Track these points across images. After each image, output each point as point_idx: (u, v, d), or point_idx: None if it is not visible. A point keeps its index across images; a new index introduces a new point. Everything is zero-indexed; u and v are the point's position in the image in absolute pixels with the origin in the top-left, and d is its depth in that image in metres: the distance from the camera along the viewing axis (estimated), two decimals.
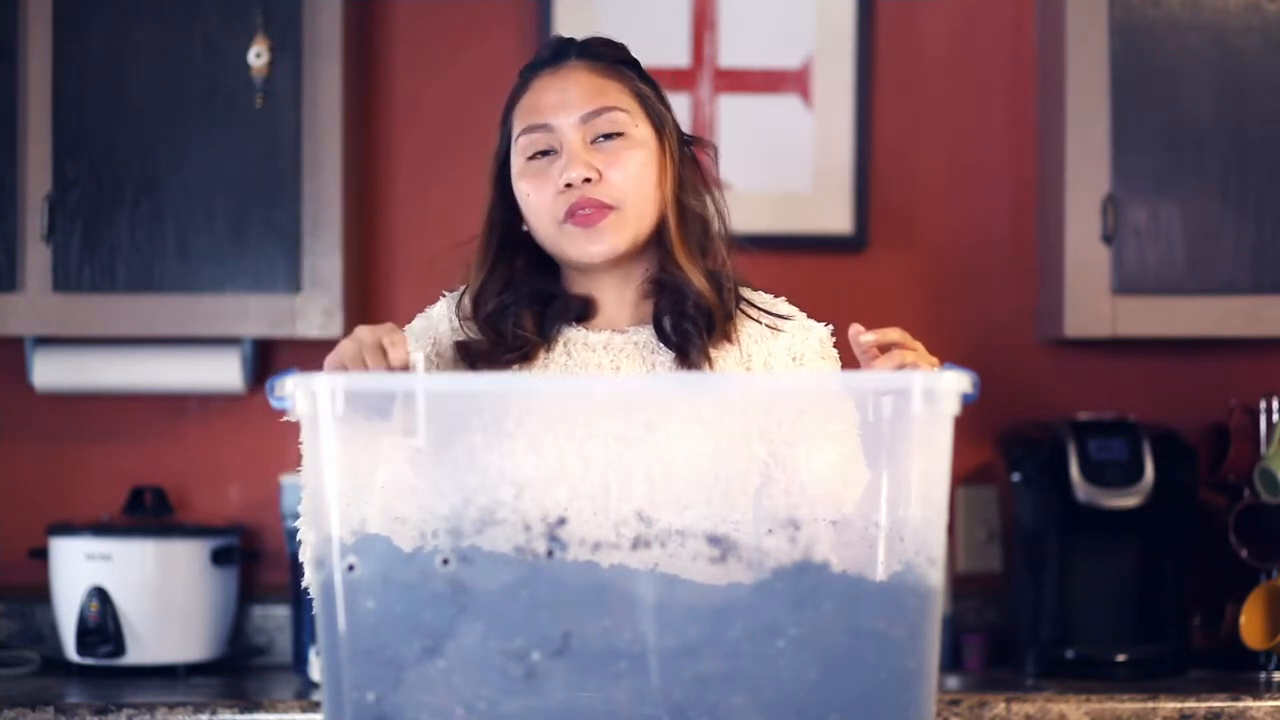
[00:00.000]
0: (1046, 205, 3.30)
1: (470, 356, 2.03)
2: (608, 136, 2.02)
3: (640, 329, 2.05)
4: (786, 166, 3.36)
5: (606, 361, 2.02)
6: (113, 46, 3.11)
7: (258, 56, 3.09)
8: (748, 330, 2.06)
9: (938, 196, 3.42)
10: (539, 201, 2.02)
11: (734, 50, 3.38)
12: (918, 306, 3.39)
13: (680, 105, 3.31)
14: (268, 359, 3.36)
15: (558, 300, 2.06)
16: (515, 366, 2.02)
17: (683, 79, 3.34)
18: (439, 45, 3.41)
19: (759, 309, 2.08)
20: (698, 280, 2.02)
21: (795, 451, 1.77)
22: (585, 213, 2.00)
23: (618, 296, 2.07)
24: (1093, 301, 3.15)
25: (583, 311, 2.06)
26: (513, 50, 3.37)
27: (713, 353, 2.01)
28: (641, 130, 2.04)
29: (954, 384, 1.62)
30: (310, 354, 3.25)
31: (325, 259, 3.11)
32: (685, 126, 3.27)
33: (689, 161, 2.09)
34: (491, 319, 2.04)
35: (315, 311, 3.10)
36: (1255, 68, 3.15)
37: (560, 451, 1.64)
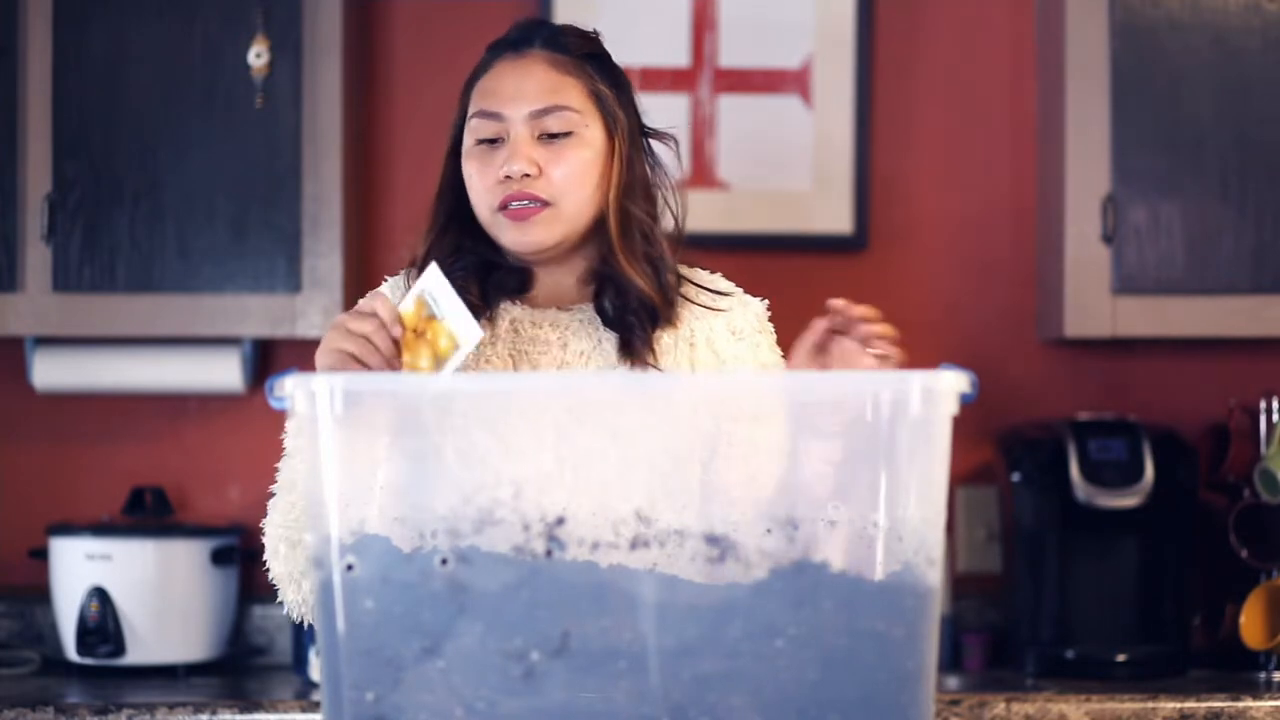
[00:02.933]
0: (1046, 205, 3.30)
1: None
2: (556, 134, 2.02)
3: (584, 306, 2.06)
4: (786, 166, 3.36)
5: (554, 337, 2.03)
6: (113, 46, 3.11)
7: (258, 56, 3.09)
8: (690, 309, 2.06)
9: (938, 196, 3.42)
10: (480, 186, 2.03)
11: (734, 50, 3.37)
12: (918, 306, 3.38)
13: (680, 105, 3.31)
14: (268, 359, 3.36)
15: (499, 271, 2.06)
16: None
17: (683, 79, 3.34)
18: (439, 45, 3.40)
19: (698, 286, 2.08)
20: (640, 279, 2.02)
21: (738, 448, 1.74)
22: (518, 205, 2.00)
23: (555, 282, 2.07)
24: (1093, 301, 3.15)
25: (520, 285, 2.06)
26: None
27: (656, 333, 2.02)
28: (592, 131, 2.03)
29: (953, 384, 1.62)
30: (310, 354, 3.23)
31: (325, 259, 3.11)
32: (685, 127, 3.30)
33: (644, 162, 2.08)
34: None
35: (315, 311, 3.10)
36: (1255, 68, 3.15)
37: (559, 451, 1.63)
